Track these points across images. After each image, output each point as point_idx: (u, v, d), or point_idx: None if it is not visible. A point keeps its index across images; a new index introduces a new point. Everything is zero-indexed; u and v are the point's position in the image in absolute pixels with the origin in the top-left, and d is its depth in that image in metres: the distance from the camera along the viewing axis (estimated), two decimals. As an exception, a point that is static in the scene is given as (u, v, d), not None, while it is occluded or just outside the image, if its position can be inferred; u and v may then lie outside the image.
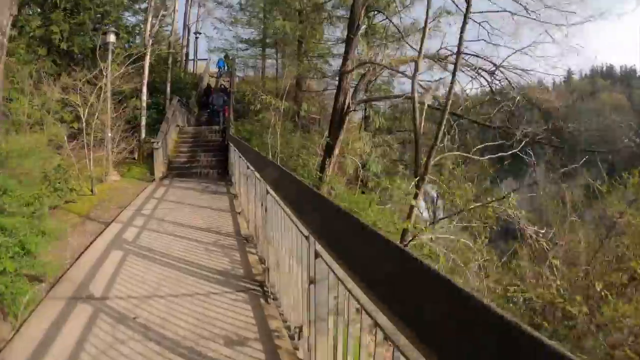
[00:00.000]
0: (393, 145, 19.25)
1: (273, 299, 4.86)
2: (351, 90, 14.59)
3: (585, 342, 7.04)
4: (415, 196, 9.32)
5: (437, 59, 13.99)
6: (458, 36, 9.99)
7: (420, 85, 13.34)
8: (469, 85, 14.80)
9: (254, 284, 5.44)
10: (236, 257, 6.50)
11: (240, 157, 9.21)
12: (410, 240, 8.95)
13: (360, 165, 16.48)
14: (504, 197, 10.24)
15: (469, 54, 13.78)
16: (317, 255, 2.80)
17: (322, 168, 14.68)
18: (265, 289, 5.18)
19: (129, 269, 5.91)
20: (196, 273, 5.71)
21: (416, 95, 9.20)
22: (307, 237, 3.04)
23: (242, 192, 9.27)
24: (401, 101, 17.41)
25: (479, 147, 13.59)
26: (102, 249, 6.80)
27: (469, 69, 14.04)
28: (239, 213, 9.24)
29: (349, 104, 14.10)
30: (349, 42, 14.42)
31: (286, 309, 4.33)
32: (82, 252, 6.72)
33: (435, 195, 21.86)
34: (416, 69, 8.95)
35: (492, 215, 10.11)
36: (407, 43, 13.75)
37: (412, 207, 9.44)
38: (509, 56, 14.07)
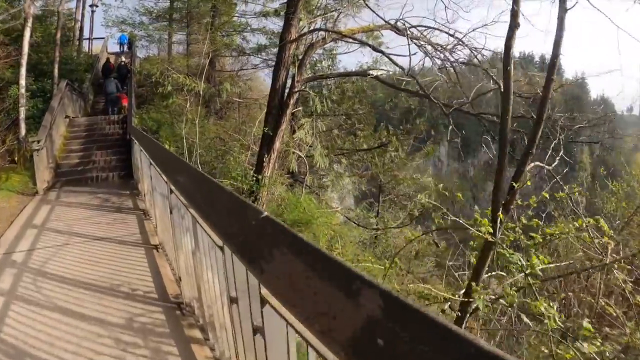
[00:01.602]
0: (333, 131, 16.73)
1: None
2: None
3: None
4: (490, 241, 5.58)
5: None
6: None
7: (392, 60, 10.80)
8: (419, 64, 12.29)
9: None
10: (173, 357, 3.76)
11: (151, 164, 6.30)
12: (471, 312, 5.57)
13: (305, 159, 13.71)
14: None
15: (429, 27, 11.60)
16: None
17: (258, 166, 11.75)
18: None
19: None
20: None
21: (512, 66, 5.97)
22: None
23: (158, 216, 6.45)
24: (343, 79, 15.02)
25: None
26: None
27: (424, 42, 11.68)
28: (156, 248, 6.37)
29: (293, 82, 11.33)
30: (291, 3, 11.54)
31: None
32: None
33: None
34: (514, 25, 5.76)
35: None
36: (367, 6, 11.05)
37: (482, 261, 6.01)
38: (471, 30, 11.97)
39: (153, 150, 6.36)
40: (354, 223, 14.93)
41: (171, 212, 4.62)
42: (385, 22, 10.57)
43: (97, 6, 26.81)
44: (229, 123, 19.12)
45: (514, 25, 5.59)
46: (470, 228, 4.81)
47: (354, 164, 17.99)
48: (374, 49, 10.78)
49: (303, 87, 12.12)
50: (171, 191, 4.43)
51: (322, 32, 11.58)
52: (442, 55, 11.47)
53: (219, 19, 19.37)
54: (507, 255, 4.52)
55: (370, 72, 12.09)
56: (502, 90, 5.70)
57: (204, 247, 3.20)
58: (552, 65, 5.35)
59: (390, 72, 15.10)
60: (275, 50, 19.76)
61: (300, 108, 13.89)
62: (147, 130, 14.15)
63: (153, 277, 5.41)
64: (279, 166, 12.90)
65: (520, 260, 4.46)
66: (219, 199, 2.45)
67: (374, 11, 10.74)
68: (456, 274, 9.68)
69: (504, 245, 4.70)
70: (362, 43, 12.15)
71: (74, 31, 24.60)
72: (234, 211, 2.08)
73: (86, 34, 27.32)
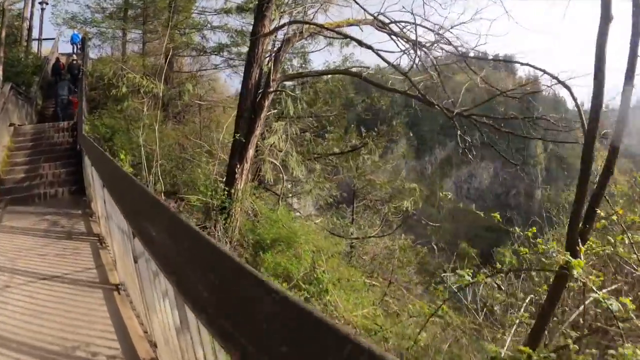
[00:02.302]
0: (306, 134, 15.67)
1: None
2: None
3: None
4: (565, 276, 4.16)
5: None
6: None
7: (392, 65, 9.77)
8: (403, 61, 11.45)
9: None
10: None
11: (104, 189, 5.22)
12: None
13: (280, 168, 12.56)
14: None
15: (413, 24, 10.73)
16: None
17: (229, 178, 10.56)
18: None
19: None
20: None
21: (605, 70, 4.66)
22: None
23: (116, 250, 5.33)
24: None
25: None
26: None
27: (406, 39, 10.77)
28: (117, 289, 5.21)
29: (267, 81, 10.20)
30: (264, -8, 10.33)
31: None
32: None
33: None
34: (607, 18, 4.51)
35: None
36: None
37: (551, 304, 4.63)
38: (449, 28, 11.19)
39: (106, 173, 5.18)
40: (331, 233, 13.96)
41: (136, 262, 3.47)
42: (370, 15, 9.66)
43: (47, 3, 24.97)
44: (189, 127, 17.93)
45: (606, 18, 4.61)
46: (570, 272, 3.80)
47: (323, 168, 17.07)
48: (366, 45, 9.71)
49: (279, 87, 11.01)
50: (134, 235, 3.27)
51: (299, 25, 10.47)
52: (426, 53, 10.58)
53: (177, 16, 18.05)
54: (603, 301, 3.59)
55: (352, 69, 11.16)
56: (592, 100, 4.63)
57: (200, 336, 2.06)
58: (629, 76, 4.38)
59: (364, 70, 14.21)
60: (237, 50, 18.72)
61: (275, 111, 12.80)
62: (100, 139, 12.87)
63: (117, 332, 4.26)
64: (250, 175, 11.75)
65: (620, 307, 3.55)
66: (246, 297, 1.29)
67: (358, 3, 9.75)
68: (454, 287, 8.92)
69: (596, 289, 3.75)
70: (347, 37, 11.11)
71: (21, 30, 23.16)
72: (297, 332, 1.00)
73: (35, 34, 25.71)
